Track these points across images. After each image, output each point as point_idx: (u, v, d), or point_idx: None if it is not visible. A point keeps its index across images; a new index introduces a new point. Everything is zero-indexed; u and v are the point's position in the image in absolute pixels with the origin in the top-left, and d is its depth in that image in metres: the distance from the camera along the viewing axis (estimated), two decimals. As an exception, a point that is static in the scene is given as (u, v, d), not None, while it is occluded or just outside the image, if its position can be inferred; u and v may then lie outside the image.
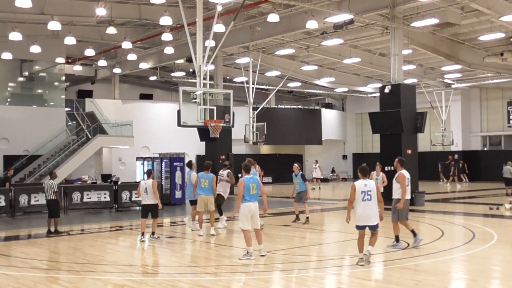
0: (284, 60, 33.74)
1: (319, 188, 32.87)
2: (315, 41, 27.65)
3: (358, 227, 9.94)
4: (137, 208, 20.34)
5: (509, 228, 16.25)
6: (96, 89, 37.76)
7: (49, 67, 32.11)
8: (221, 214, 15.55)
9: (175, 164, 23.07)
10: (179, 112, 17.57)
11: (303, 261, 10.79)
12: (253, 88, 31.22)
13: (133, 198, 21.01)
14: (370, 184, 9.92)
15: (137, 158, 26.38)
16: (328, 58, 32.02)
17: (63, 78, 32.54)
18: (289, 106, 43.28)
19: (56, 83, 32.95)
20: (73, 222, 17.64)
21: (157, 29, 26.90)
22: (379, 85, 29.72)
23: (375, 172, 16.00)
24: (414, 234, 11.59)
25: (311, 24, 21.85)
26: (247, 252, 10.61)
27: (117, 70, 34.95)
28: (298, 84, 39.78)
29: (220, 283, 8.92)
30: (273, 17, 21.22)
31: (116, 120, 32.74)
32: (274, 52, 31.17)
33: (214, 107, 18.25)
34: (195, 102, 17.98)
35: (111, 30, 22.89)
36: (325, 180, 40.91)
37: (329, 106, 46.50)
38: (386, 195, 10.52)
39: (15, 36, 22.23)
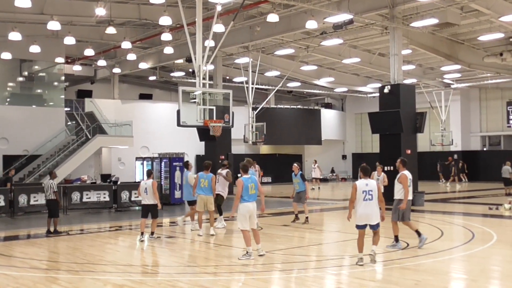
0: (284, 60, 33.74)
1: (319, 188, 32.87)
2: (315, 41, 27.65)
3: (358, 227, 9.94)
4: (137, 208, 20.36)
5: (509, 228, 16.26)
6: (95, 89, 37.75)
7: (49, 67, 32.11)
8: (221, 214, 15.55)
9: (174, 164, 23.07)
10: (178, 112, 17.56)
11: (303, 261, 10.78)
12: (252, 88, 31.21)
13: (133, 198, 21.02)
14: (372, 184, 9.93)
15: (137, 158, 26.43)
16: (327, 58, 32.03)
17: (63, 78, 32.54)
18: (288, 106, 43.28)
19: (56, 83, 32.95)
20: (73, 222, 17.63)
21: (157, 29, 26.89)
22: (379, 85, 29.71)
23: (376, 172, 15.98)
24: (419, 234, 11.57)
25: (311, 24, 21.85)
26: (247, 252, 10.60)
27: (116, 70, 34.94)
28: (298, 84, 39.79)
29: (220, 283, 8.93)
30: (272, 17, 21.21)
31: (116, 120, 32.75)
32: (273, 52, 31.17)
33: (214, 107, 18.24)
34: (195, 102, 17.97)
35: (111, 30, 22.89)
36: (324, 180, 40.92)
37: (328, 106, 46.51)
38: (386, 195, 10.51)
39: (15, 36, 22.21)
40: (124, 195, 21.08)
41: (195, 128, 26.24)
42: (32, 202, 19.31)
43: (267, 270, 9.97)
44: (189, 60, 24.47)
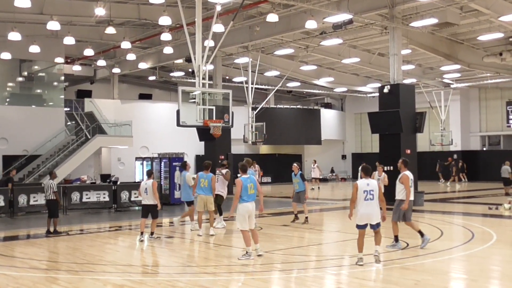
0: (283, 60, 33.74)
1: (318, 188, 32.88)
2: (314, 41, 27.65)
3: (358, 227, 9.94)
4: (136, 208, 20.36)
5: (508, 228, 16.27)
6: (95, 89, 37.75)
7: (48, 67, 32.10)
8: (220, 214, 15.55)
9: (174, 164, 23.02)
10: (178, 112, 17.55)
11: (302, 261, 10.78)
12: (252, 88, 31.21)
13: (132, 198, 21.02)
14: (373, 184, 9.93)
15: (136, 158, 26.42)
16: (327, 58, 32.02)
17: (62, 78, 32.53)
18: (288, 106, 43.27)
19: (55, 83, 32.94)
20: (72, 222, 17.63)
21: (156, 29, 26.88)
22: (378, 85, 29.73)
23: (377, 172, 15.97)
24: (422, 234, 11.56)
25: (310, 24, 21.84)
26: (246, 252, 10.60)
27: (116, 70, 34.93)
28: (297, 84, 39.78)
29: (219, 283, 8.93)
30: (272, 17, 21.20)
31: (115, 120, 32.74)
32: (273, 52, 31.16)
33: (213, 107, 18.23)
34: (194, 102, 17.97)
35: (110, 30, 22.88)
36: (324, 180, 40.92)
37: (328, 106, 46.51)
38: (386, 195, 10.51)
39: (14, 36, 22.19)
40: (124, 195, 21.08)
41: (195, 128, 26.25)
42: (32, 202, 19.30)
43: (266, 270, 9.97)
44: (188, 60, 24.47)
